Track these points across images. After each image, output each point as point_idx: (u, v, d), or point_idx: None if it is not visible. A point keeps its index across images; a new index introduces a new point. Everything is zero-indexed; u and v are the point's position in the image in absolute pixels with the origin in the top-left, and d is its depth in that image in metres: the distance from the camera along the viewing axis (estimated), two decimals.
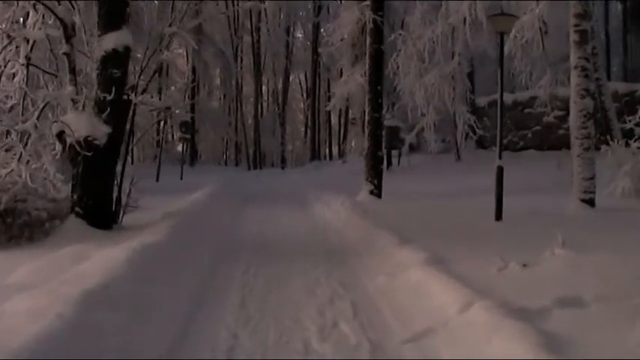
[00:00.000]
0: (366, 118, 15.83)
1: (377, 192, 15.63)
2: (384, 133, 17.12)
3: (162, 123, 43.04)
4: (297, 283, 7.54)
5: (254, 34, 47.60)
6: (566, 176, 15.99)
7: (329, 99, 53.11)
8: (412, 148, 27.26)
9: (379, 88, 15.71)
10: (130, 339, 4.88)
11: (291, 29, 49.77)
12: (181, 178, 26.82)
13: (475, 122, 23.69)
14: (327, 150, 54.04)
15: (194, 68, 42.63)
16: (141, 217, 11.27)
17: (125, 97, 10.39)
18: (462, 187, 18.12)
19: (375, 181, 15.65)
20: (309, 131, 52.01)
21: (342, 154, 51.13)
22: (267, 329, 5.61)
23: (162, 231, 8.81)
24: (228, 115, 52.76)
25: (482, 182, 18.57)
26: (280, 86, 51.14)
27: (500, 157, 11.46)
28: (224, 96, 53.57)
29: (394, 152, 27.06)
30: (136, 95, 10.66)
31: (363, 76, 16.32)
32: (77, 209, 9.90)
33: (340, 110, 53.11)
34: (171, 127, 45.42)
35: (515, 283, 6.30)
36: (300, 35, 53.57)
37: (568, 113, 24.31)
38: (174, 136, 49.49)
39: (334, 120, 54.69)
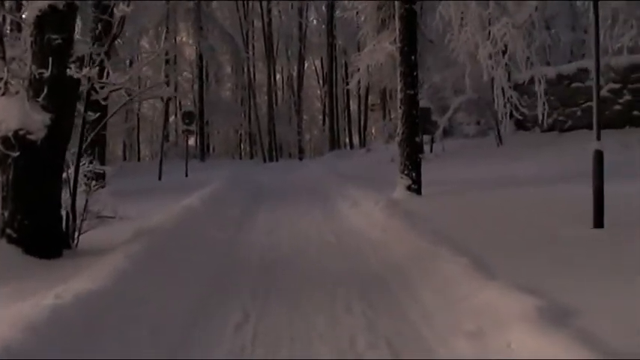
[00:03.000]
0: (399, 96, 12.80)
1: (415, 187, 12.63)
2: None
3: (166, 114, 40.59)
4: (321, 347, 4.68)
5: (265, 17, 44.58)
6: (633, 157, 13.72)
7: (347, 84, 50.79)
8: (444, 133, 24.18)
9: (413, 58, 12.70)
10: None
11: (304, 11, 46.58)
12: (186, 175, 23.94)
13: (519, 100, 20.61)
14: (347, 138, 51.06)
15: (201, 56, 39.72)
16: (109, 235, 8.35)
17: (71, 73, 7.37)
18: (509, 175, 15.07)
19: (413, 174, 12.64)
20: (327, 119, 49.13)
21: (363, 142, 48.28)
22: None
23: (116, 266, 5.87)
24: (240, 104, 50.01)
25: (530, 169, 15.69)
26: (295, 72, 48.19)
27: (598, 138, 8.38)
28: (236, 86, 50.75)
29: (426, 138, 23.94)
30: (84, 68, 7.49)
31: (392, 44, 13.22)
32: (9, 231, 7.04)
33: (359, 96, 50.53)
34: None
35: None
36: (313, 19, 50.60)
37: (625, 85, 21.62)
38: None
39: (353, 106, 51.79)
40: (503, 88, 10.09)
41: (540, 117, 10.53)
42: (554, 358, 3.68)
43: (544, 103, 10.43)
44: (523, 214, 9.38)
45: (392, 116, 49.21)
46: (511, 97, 21.05)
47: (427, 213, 9.76)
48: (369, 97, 50.11)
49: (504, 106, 19.76)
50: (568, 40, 28.94)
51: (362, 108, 50.19)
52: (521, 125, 24.25)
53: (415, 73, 12.74)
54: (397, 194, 12.43)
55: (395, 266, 7.30)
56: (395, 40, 12.89)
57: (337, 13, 44.10)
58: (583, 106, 22.20)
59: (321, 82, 54.81)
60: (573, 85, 22.43)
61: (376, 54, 13.80)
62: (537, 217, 9.02)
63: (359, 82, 14.67)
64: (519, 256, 6.54)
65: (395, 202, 11.28)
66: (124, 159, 41.50)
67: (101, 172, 15.32)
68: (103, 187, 16.15)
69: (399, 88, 12.77)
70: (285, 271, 7.56)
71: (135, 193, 17.04)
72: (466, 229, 8.27)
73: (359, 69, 14.50)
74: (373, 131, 54.91)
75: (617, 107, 20.53)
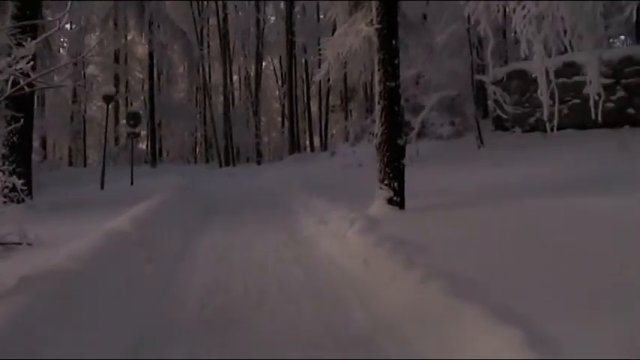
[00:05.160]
0: (377, 89, 10.47)
1: (398, 199, 10.30)
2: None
3: (116, 115, 37.96)
4: None
5: (220, 13, 42.00)
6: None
7: (307, 84, 48.61)
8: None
9: (394, 42, 10.42)
10: None
11: (262, 7, 44.04)
12: (132, 183, 21.36)
13: (502, 96, 18.57)
14: (308, 141, 48.77)
15: (151, 54, 37.03)
16: None
17: None
18: (500, 182, 12.97)
19: (395, 184, 10.29)
20: (286, 121, 46.74)
21: (324, 145, 46.09)
22: None
23: None
24: (195, 106, 47.43)
25: (521, 175, 13.61)
26: (252, 72, 45.67)
27: None
28: (190, 86, 48.18)
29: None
30: None
31: (369, 25, 10.87)
32: None
33: (320, 96, 48.26)
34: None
35: None
36: (272, 16, 48.14)
37: (618, 81, 19.70)
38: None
39: (314, 108, 49.55)
40: (547, 71, 7.66)
41: (547, 114, 8.27)
42: None
43: (554, 100, 8.13)
44: (552, 241, 7.07)
45: (353, 117, 47.35)
46: (494, 93, 19.14)
47: (420, 237, 7.46)
48: (330, 98, 48.03)
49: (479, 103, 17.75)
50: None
51: (323, 109, 48.01)
52: (499, 125, 22.27)
53: (396, 62, 10.42)
54: (376, 209, 10.12)
55: (394, 330, 5.04)
56: (372, 21, 10.57)
57: (297, 9, 41.96)
58: (570, 103, 20.23)
59: (279, 82, 52.54)
60: (558, 80, 20.41)
61: (349, 38, 11.40)
62: (579, 242, 6.77)
63: (327, 74, 12.14)
64: (597, 319, 4.28)
65: (374, 220, 8.95)
66: (70, 164, 38.57)
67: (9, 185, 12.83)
68: (19, 201, 13.61)
69: (377, 79, 10.45)
70: (236, 332, 5.29)
71: (67, 206, 14.51)
72: (485, 265, 6.01)
73: (326, 59, 12.04)
74: (334, 132, 52.82)
75: (610, 105, 18.62)
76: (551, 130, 7.90)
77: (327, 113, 48.05)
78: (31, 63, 8.31)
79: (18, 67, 7.94)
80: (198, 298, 6.42)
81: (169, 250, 8.69)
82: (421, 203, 10.51)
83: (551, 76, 7.68)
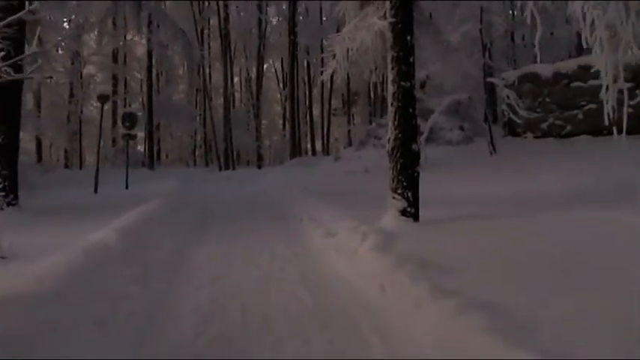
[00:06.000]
0: (390, 89, 9.54)
1: (412, 210, 9.38)
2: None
3: (113, 116, 37.08)
4: None
5: (221, 13, 41.04)
6: None
7: (309, 87, 47.70)
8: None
9: (409, 38, 9.52)
10: None
11: (264, 7, 43.09)
12: (127, 187, 20.44)
13: (516, 100, 17.65)
14: (310, 145, 47.83)
15: (150, 53, 36.13)
16: None
17: None
18: (518, 192, 12.09)
19: (409, 194, 9.36)
20: (287, 124, 45.81)
21: (327, 149, 45.24)
22: None
23: None
24: (195, 108, 46.52)
25: (538, 183, 12.74)
26: (254, 74, 44.75)
27: None
28: (190, 87, 47.27)
29: None
30: None
31: (382, 19, 9.91)
32: None
33: (322, 99, 47.31)
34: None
35: None
36: (274, 17, 47.32)
37: (638, 85, 18.75)
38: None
39: (316, 111, 48.68)
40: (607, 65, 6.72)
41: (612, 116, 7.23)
42: None
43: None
44: (599, 259, 6.16)
45: (355, 121, 46.52)
46: (507, 97, 18.24)
47: (443, 257, 6.55)
48: (332, 100, 47.17)
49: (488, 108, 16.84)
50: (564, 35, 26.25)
51: (325, 112, 47.14)
52: (510, 131, 21.37)
53: (412, 59, 9.50)
54: (388, 221, 9.19)
55: None
56: (385, 14, 9.64)
57: (300, 10, 41.09)
58: (585, 108, 19.32)
59: (281, 84, 51.67)
60: (573, 84, 19.57)
61: (360, 33, 10.44)
62: (630, 264, 5.85)
63: (335, 72, 11.17)
64: None
65: (388, 235, 8.04)
66: (66, 166, 37.63)
67: None
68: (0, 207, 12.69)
69: (390, 78, 9.52)
70: None
71: (55, 211, 13.63)
72: (525, 292, 5.11)
73: (334, 56, 11.08)
74: (337, 136, 51.96)
75: (630, 110, 17.70)
76: (619, 133, 6.89)
77: (329, 116, 47.19)
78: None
79: None
80: (191, 327, 5.51)
81: (159, 267, 7.74)
82: (436, 214, 9.58)
83: (620, 74, 6.73)
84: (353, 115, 46.61)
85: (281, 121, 53.21)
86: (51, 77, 15.66)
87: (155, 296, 6.49)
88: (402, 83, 9.43)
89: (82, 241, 7.47)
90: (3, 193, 12.72)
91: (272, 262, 8.34)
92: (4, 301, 4.77)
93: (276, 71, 53.10)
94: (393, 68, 9.50)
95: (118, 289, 6.25)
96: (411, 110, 9.48)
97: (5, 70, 6.97)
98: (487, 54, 20.13)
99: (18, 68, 8.42)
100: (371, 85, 31.52)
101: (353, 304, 6.04)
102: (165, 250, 8.79)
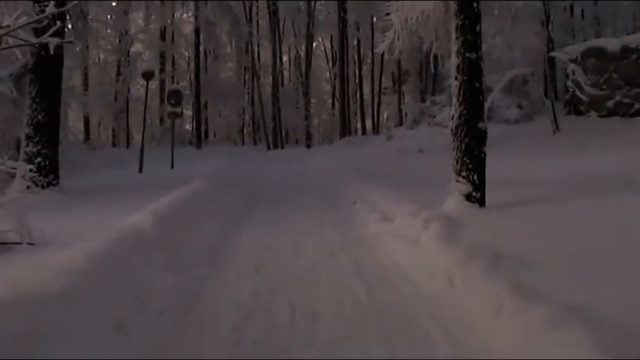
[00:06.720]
0: (454, 61, 8.65)
1: (478, 195, 8.51)
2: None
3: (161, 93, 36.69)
4: None
5: None
6: None
7: (359, 65, 46.73)
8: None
9: (476, 5, 8.62)
10: None
11: None
12: (172, 166, 19.92)
13: (582, 77, 16.49)
14: (359, 124, 46.96)
15: (197, 30, 35.56)
16: None
17: None
18: (590, 173, 11.04)
19: (474, 176, 8.50)
20: (337, 103, 45.00)
21: (377, 128, 44.36)
22: None
23: None
24: (243, 86, 45.95)
25: (610, 164, 11.65)
26: (302, 52, 43.93)
27: None
28: (238, 65, 46.69)
29: None
30: None
31: None
32: None
33: (373, 78, 46.34)
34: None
35: None
36: None
37: None
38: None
39: (366, 89, 47.73)
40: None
41: None
42: None
43: None
44: None
45: (406, 99, 45.39)
46: (573, 72, 17.09)
47: (519, 248, 5.70)
48: (382, 79, 46.19)
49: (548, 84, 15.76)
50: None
51: (375, 91, 46.17)
52: (573, 109, 20.19)
53: (478, 29, 8.58)
54: (452, 206, 8.34)
55: None
56: None
57: None
58: None
59: (330, 63, 50.79)
60: None
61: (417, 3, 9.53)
62: None
63: (393, 43, 10.25)
64: None
65: (453, 221, 7.20)
66: (113, 145, 37.49)
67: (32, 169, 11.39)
68: (44, 186, 12.17)
69: (454, 50, 8.61)
70: None
71: (97, 191, 13.18)
72: (629, 295, 4.25)
73: (391, 26, 10.17)
74: (385, 116, 51.00)
75: None
76: None
77: (379, 95, 46.25)
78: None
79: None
80: (230, 327, 4.78)
81: (197, 254, 7.03)
82: (503, 198, 8.69)
83: None
84: (403, 94, 45.49)
85: (330, 100, 52.41)
86: (70, 42, 14.94)
87: (190, 289, 5.78)
88: (468, 54, 8.51)
89: (117, 226, 6.82)
90: (43, 173, 12.19)
91: (322, 249, 7.59)
92: (17, 297, 4.10)
93: (325, 49, 52.28)
94: (457, 38, 8.59)
95: (148, 279, 5.57)
96: (477, 85, 8.56)
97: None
98: (550, 26, 18.91)
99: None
100: (423, 61, 30.39)
101: (416, 303, 5.23)
102: (205, 234, 8.09)
